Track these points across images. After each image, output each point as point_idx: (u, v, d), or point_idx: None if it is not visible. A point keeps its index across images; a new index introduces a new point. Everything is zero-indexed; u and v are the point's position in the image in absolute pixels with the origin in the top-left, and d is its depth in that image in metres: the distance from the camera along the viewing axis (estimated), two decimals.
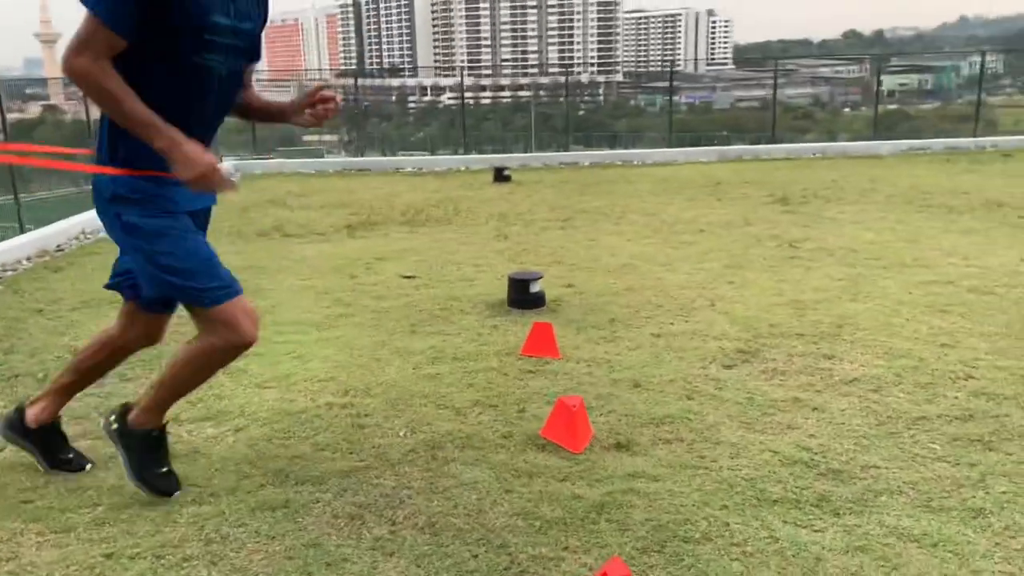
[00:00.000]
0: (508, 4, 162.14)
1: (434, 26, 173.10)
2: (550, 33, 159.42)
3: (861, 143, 13.34)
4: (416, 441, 3.14)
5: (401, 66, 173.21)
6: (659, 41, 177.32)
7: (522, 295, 4.69)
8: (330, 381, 3.77)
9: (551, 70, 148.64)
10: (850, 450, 3.00)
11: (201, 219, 2.60)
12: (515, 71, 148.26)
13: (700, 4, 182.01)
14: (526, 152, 13.20)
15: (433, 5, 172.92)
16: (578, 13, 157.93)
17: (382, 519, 2.60)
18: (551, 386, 3.63)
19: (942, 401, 3.40)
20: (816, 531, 2.49)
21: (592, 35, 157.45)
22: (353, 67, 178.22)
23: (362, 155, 14.29)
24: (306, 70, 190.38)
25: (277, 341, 4.30)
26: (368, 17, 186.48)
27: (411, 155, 14.91)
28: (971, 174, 9.66)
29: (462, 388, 3.65)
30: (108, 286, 2.72)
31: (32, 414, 2.87)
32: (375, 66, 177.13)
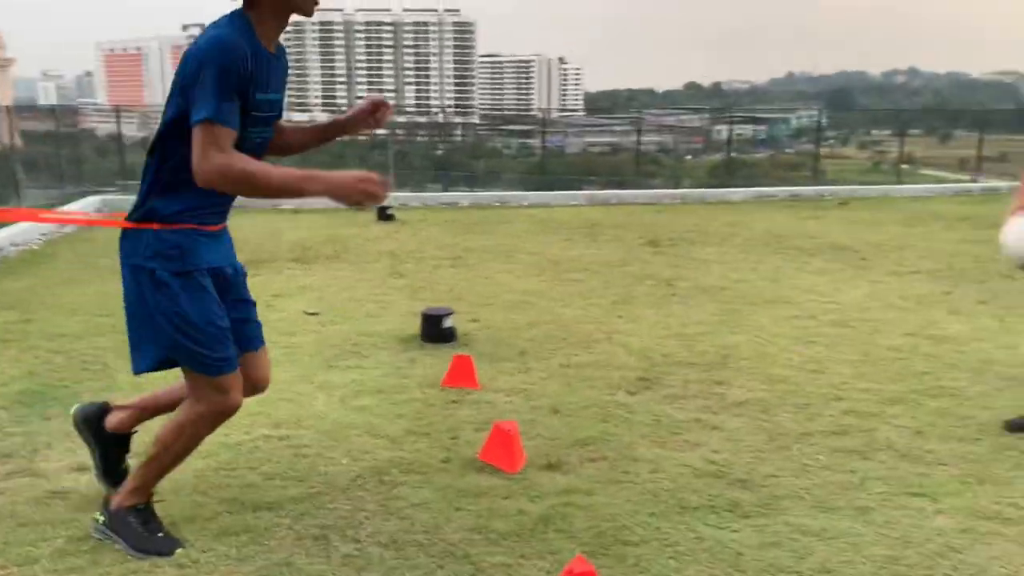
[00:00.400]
0: (363, 43, 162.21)
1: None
2: (406, 74, 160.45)
3: (716, 190, 14.38)
4: (360, 468, 3.30)
5: None
6: (513, 86, 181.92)
7: (435, 330, 4.93)
8: (259, 415, 3.86)
9: (408, 110, 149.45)
10: (750, 462, 3.41)
11: (228, 279, 2.63)
12: None
13: (552, 52, 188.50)
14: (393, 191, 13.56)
15: (287, 40, 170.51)
16: (434, 55, 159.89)
17: (346, 538, 2.76)
18: (477, 414, 3.88)
19: (819, 419, 3.89)
20: (733, 531, 2.85)
21: (448, 77, 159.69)
22: None
23: None
24: (149, 105, 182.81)
25: None
26: None
27: None
28: (815, 220, 10.67)
29: (392, 419, 3.83)
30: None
31: (115, 418, 2.88)
32: None
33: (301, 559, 2.63)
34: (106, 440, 2.90)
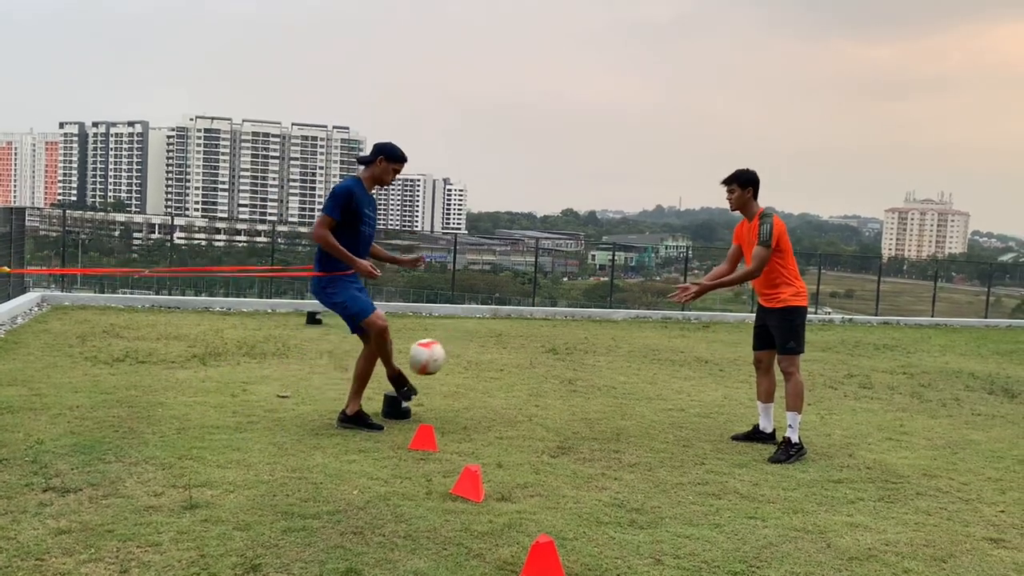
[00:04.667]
0: (250, 152, 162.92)
1: (168, 165, 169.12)
2: (292, 184, 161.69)
3: (601, 310, 16.26)
4: (368, 496, 4.55)
5: (128, 202, 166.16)
6: (399, 202, 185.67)
7: (394, 409, 6.22)
8: (275, 464, 5.03)
9: (291, 219, 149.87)
10: (642, 499, 4.84)
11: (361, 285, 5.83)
12: (253, 217, 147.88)
13: (437, 172, 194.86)
14: (266, 297, 14.68)
15: (169, 143, 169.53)
16: (321, 168, 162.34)
17: (375, 534, 4.01)
18: (441, 467, 5.17)
19: (688, 475, 5.37)
20: (633, 536, 4.25)
21: None
22: (73, 199, 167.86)
23: (121, 291, 14.88)
24: (14, 201, 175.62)
25: (214, 437, 5.47)
26: (96, 148, 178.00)
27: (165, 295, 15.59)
28: (683, 338, 12.55)
29: (378, 468, 5.08)
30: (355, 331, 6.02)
31: (351, 409, 5.89)
32: (98, 200, 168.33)
33: (348, 544, 3.86)
34: (356, 418, 5.94)
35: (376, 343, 5.93)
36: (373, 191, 5.91)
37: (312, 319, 11.30)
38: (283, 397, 6.83)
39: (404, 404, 6.27)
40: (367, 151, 6.13)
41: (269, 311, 12.79)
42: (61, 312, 11.22)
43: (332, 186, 6.22)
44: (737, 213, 6.30)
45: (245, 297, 17.66)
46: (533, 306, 16.53)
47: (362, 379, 5.99)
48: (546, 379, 8.36)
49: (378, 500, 4.49)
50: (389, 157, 5.80)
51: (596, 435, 6.23)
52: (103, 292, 13.36)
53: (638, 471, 5.40)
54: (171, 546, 3.72)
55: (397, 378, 6.21)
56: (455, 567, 3.69)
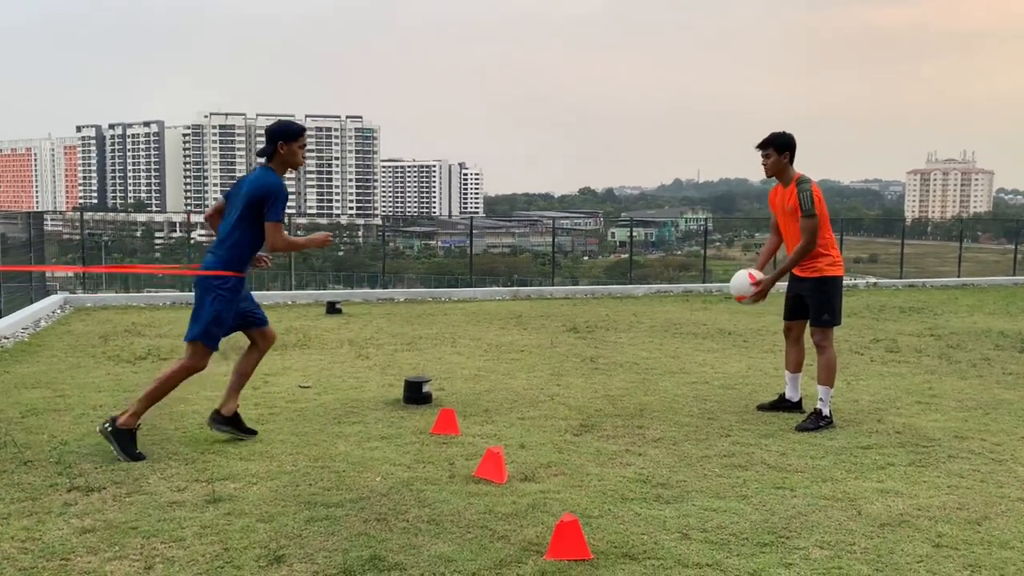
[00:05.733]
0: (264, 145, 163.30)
1: (185, 162, 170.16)
2: (308, 176, 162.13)
3: (622, 286, 16.17)
4: (391, 482, 4.52)
5: (148, 202, 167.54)
6: (415, 189, 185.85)
7: (416, 394, 6.19)
8: (297, 454, 5.02)
9: (309, 211, 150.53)
10: (667, 474, 4.78)
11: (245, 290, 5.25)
12: None
13: (453, 157, 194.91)
14: (286, 289, 14.69)
15: (185, 140, 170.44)
16: (336, 159, 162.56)
17: (399, 519, 3.98)
18: (464, 450, 5.14)
19: (714, 448, 5.31)
20: (659, 511, 4.20)
21: (351, 180, 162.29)
22: (94, 201, 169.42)
23: (146, 290, 14.94)
24: (36, 206, 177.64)
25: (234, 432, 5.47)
26: (113, 150, 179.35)
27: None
28: (705, 311, 12.44)
29: (401, 454, 5.06)
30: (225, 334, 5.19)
31: (227, 408, 5.31)
32: (118, 201, 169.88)
33: (372, 531, 3.84)
34: (232, 422, 5.27)
35: (180, 376, 5.02)
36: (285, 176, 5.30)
37: (332, 309, 11.30)
38: (304, 387, 6.83)
39: (425, 389, 6.24)
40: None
41: (289, 302, 12.82)
42: (83, 313, 11.30)
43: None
44: (759, 183, 6.20)
45: (266, 290, 17.74)
46: (553, 286, 16.45)
47: (158, 393, 5.06)
48: (567, 358, 8.31)
49: (401, 486, 4.46)
50: (288, 137, 5.14)
51: (619, 412, 6.18)
52: (126, 291, 13.42)
53: (662, 446, 5.34)
54: (195, 541, 3.71)
55: (133, 420, 4.99)
56: (480, 549, 3.66)
